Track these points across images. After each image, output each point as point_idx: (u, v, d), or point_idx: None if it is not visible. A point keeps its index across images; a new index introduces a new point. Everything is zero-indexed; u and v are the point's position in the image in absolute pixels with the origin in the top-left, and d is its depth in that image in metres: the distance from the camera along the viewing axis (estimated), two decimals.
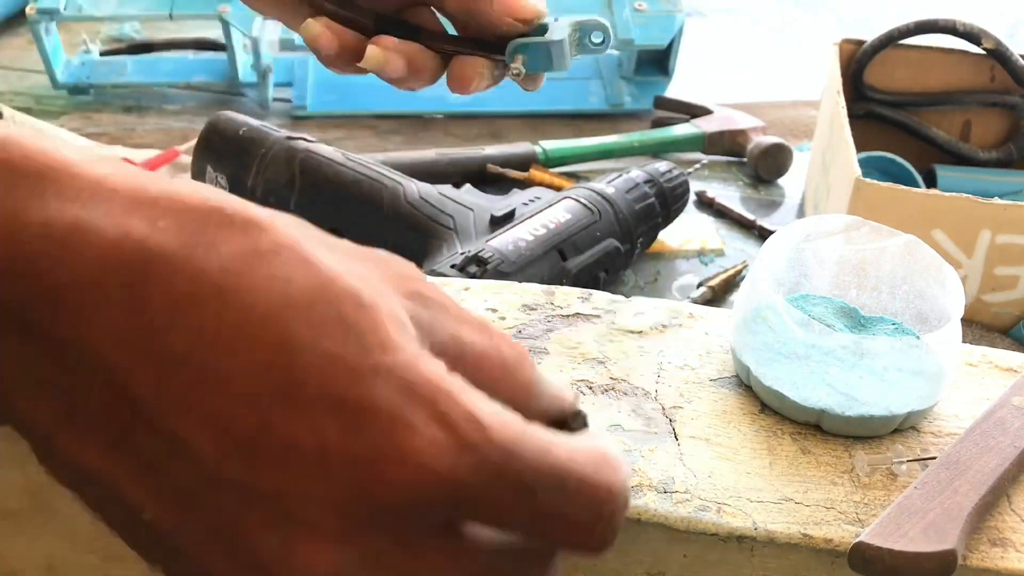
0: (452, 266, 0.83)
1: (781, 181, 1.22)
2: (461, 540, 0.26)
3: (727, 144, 1.25)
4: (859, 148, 0.95)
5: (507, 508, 0.25)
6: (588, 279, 0.89)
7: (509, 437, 0.25)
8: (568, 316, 0.61)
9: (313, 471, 0.24)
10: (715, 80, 1.44)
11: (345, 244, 0.29)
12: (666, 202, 1.00)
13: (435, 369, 0.25)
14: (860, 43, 1.14)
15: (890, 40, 1.13)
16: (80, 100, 1.29)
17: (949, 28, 1.11)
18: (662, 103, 1.33)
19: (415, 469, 0.24)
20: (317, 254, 0.26)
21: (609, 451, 0.27)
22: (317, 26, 0.49)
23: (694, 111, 1.29)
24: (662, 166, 1.03)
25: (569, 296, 0.63)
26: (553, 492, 0.25)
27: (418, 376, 0.25)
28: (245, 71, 1.33)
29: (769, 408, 0.55)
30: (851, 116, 1.00)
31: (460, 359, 0.27)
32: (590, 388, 0.55)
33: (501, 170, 1.15)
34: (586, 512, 0.26)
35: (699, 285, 1.00)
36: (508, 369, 0.28)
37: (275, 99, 1.32)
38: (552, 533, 0.26)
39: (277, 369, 0.24)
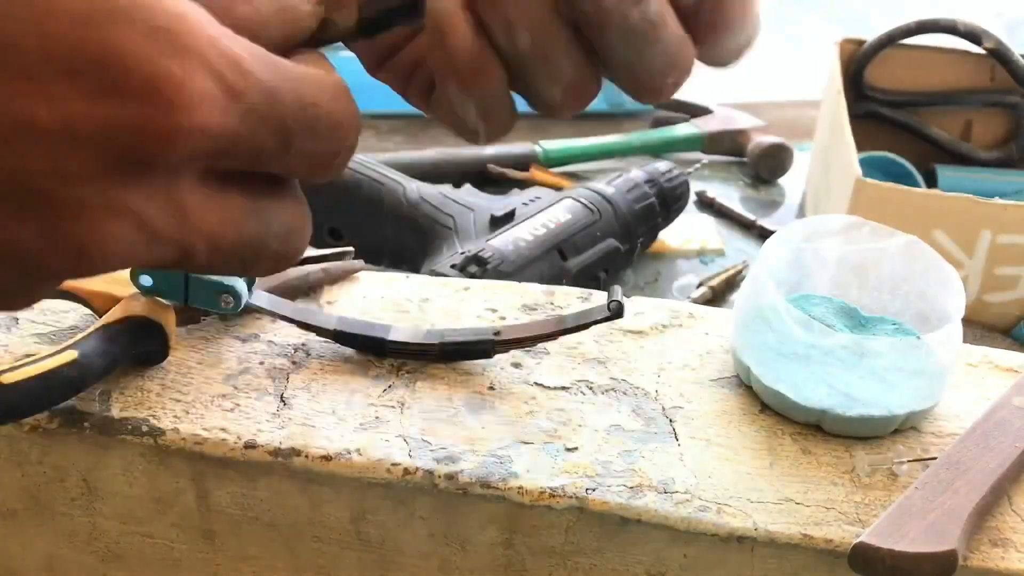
0: (452, 266, 0.83)
1: (781, 181, 1.22)
2: (225, 183, 0.25)
3: (727, 144, 1.25)
4: (860, 148, 0.95)
5: (266, 152, 0.25)
6: (588, 279, 0.89)
7: (270, 79, 0.24)
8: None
9: (62, 147, 0.21)
10: (715, 80, 1.44)
11: None
12: (666, 202, 1.00)
13: (179, 4, 0.23)
14: (861, 43, 1.14)
15: (891, 40, 1.13)
16: None
17: (950, 28, 1.11)
18: (662, 103, 1.33)
19: (186, 126, 0.22)
20: None
21: (341, 81, 0.27)
22: None
23: (694, 111, 1.29)
24: (662, 166, 1.03)
25: (569, 296, 0.63)
26: (308, 133, 0.26)
27: (166, 16, 0.22)
28: None
29: (769, 408, 0.55)
30: (852, 116, 1.00)
31: None
32: (590, 388, 0.55)
33: (501, 170, 1.15)
34: (332, 147, 0.27)
35: (699, 285, 1.00)
36: None
37: None
38: (298, 168, 0.26)
39: None
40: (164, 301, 0.53)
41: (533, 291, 0.63)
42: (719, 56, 0.37)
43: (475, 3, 0.32)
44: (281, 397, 0.53)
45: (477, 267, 0.82)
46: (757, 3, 0.32)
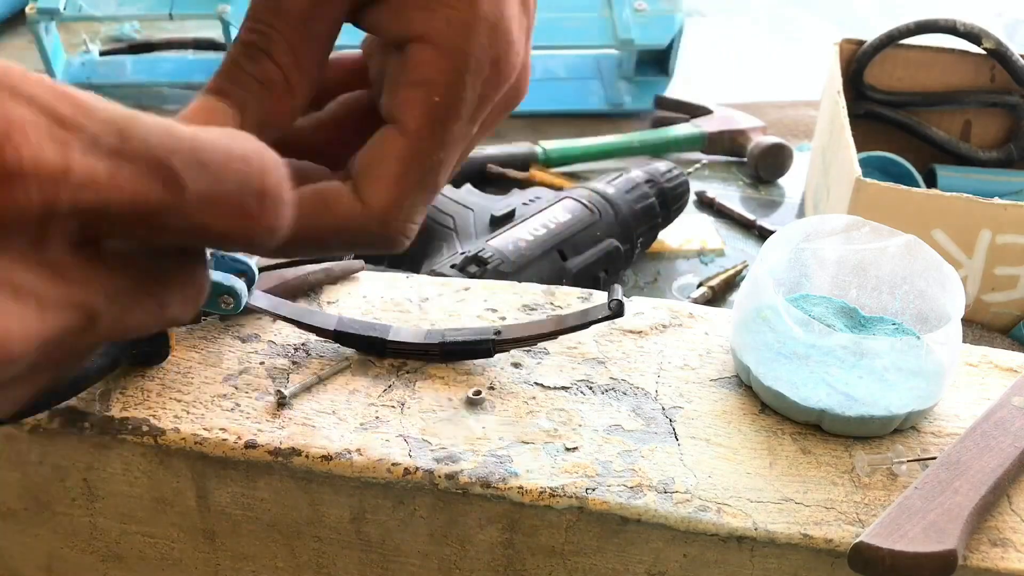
0: (452, 266, 0.83)
1: (781, 181, 1.22)
2: (98, 251, 0.22)
3: (727, 144, 1.25)
4: (859, 148, 0.95)
5: (144, 197, 0.21)
6: (588, 279, 0.89)
7: (119, 114, 0.21)
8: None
9: None
10: (715, 80, 1.44)
11: None
12: (666, 202, 1.00)
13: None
14: (860, 43, 1.14)
15: (890, 40, 1.13)
16: None
17: (949, 28, 1.11)
18: (662, 103, 1.33)
19: (8, 164, 0.20)
20: None
21: (240, 132, 0.24)
22: None
23: (694, 111, 1.29)
24: (662, 166, 1.03)
25: (569, 296, 0.63)
26: (193, 167, 0.22)
27: None
28: None
29: (769, 408, 0.55)
30: (851, 116, 1.00)
31: None
32: (590, 388, 0.55)
33: (501, 170, 1.15)
34: (241, 183, 0.23)
35: (699, 285, 1.00)
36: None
37: None
38: (215, 222, 0.23)
39: None
40: None
41: (533, 291, 0.63)
42: None
43: None
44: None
45: (477, 267, 0.82)
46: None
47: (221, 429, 0.51)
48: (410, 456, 0.50)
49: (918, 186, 1.07)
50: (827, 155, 1.06)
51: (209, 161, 0.22)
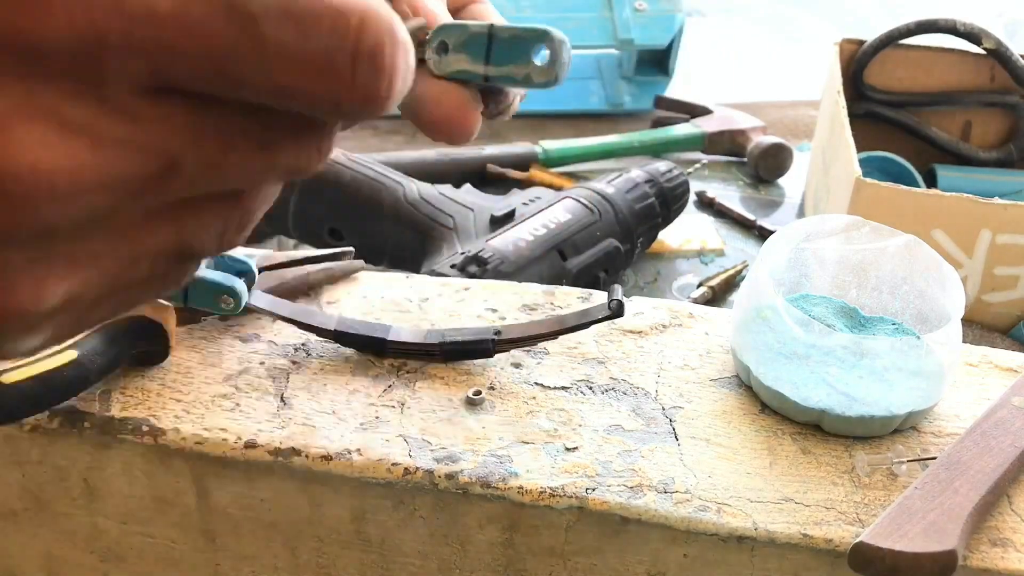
0: (452, 266, 0.83)
1: (781, 181, 1.22)
2: (181, 97, 0.20)
3: (727, 144, 1.25)
4: (859, 148, 0.95)
5: (218, 47, 0.19)
6: (588, 279, 0.89)
7: None
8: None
9: None
10: (715, 80, 1.44)
11: None
12: (666, 202, 1.00)
13: None
14: (860, 43, 1.14)
15: (890, 40, 1.13)
16: None
17: (949, 28, 1.11)
18: (662, 103, 1.33)
19: None
20: None
21: None
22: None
23: (694, 111, 1.29)
24: (662, 166, 1.03)
25: (569, 296, 0.63)
26: (279, 20, 0.19)
27: None
28: None
29: (769, 408, 0.55)
30: (851, 116, 1.00)
31: None
32: (590, 388, 0.55)
33: (501, 170, 1.15)
34: (333, 44, 0.20)
35: (699, 285, 1.00)
36: None
37: None
38: (296, 83, 0.20)
39: None
40: (164, 301, 0.53)
41: (533, 291, 0.63)
42: None
43: None
44: (281, 397, 0.53)
45: (477, 267, 0.82)
46: None
47: (221, 429, 0.51)
48: (410, 456, 0.50)
49: (918, 186, 1.07)
50: (827, 155, 1.06)
51: (302, 16, 0.19)
